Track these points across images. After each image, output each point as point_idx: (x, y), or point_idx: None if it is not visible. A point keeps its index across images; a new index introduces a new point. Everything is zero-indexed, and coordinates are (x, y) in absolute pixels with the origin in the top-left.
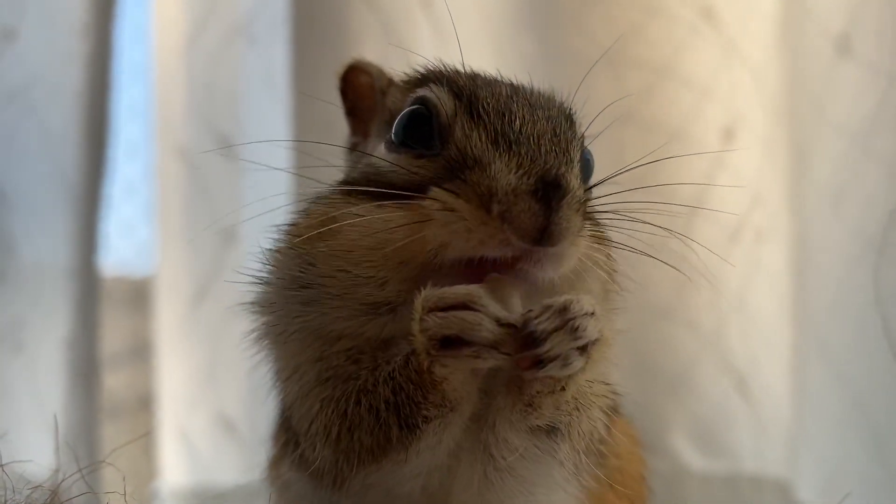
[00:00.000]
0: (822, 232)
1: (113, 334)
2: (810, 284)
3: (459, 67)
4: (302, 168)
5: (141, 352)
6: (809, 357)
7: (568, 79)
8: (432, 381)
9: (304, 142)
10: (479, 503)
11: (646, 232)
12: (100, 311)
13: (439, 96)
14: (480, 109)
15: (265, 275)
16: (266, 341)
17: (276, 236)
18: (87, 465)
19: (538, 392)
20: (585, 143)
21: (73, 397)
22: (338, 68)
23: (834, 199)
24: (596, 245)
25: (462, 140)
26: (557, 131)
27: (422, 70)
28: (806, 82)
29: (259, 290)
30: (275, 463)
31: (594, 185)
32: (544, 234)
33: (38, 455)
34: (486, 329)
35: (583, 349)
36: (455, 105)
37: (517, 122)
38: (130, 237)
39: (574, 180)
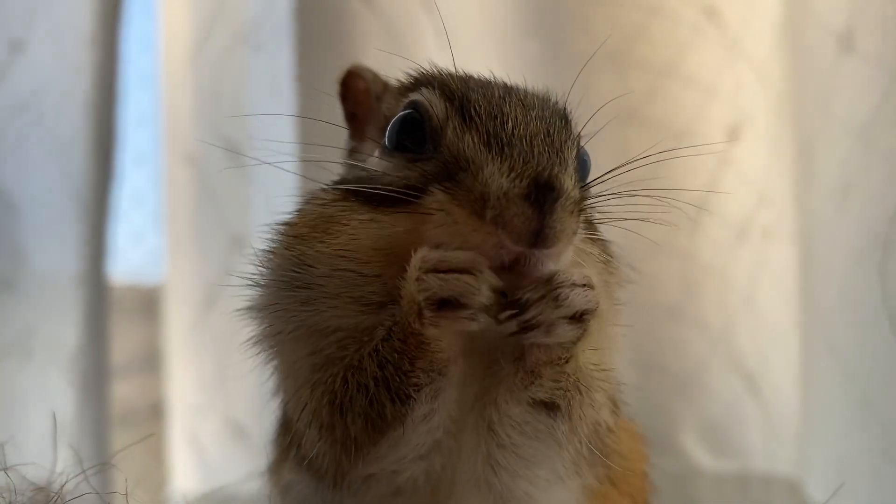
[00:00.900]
0: (828, 229)
1: (124, 343)
2: (817, 282)
3: (452, 70)
4: (308, 171)
5: (152, 360)
6: (817, 355)
7: (572, 80)
8: (419, 345)
9: (311, 144)
10: (485, 489)
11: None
12: (109, 319)
13: (430, 100)
14: (472, 111)
15: (261, 277)
16: (265, 343)
17: (270, 236)
18: (91, 466)
19: (537, 360)
20: (582, 143)
21: (84, 405)
22: (341, 73)
23: (839, 195)
24: (590, 240)
25: (454, 143)
26: (551, 132)
27: (414, 74)
28: (810, 79)
29: (256, 293)
30: (276, 466)
31: (590, 184)
32: (538, 238)
33: (49, 463)
34: (484, 294)
35: (574, 319)
36: (446, 108)
37: (509, 123)
38: (140, 245)
39: (568, 181)
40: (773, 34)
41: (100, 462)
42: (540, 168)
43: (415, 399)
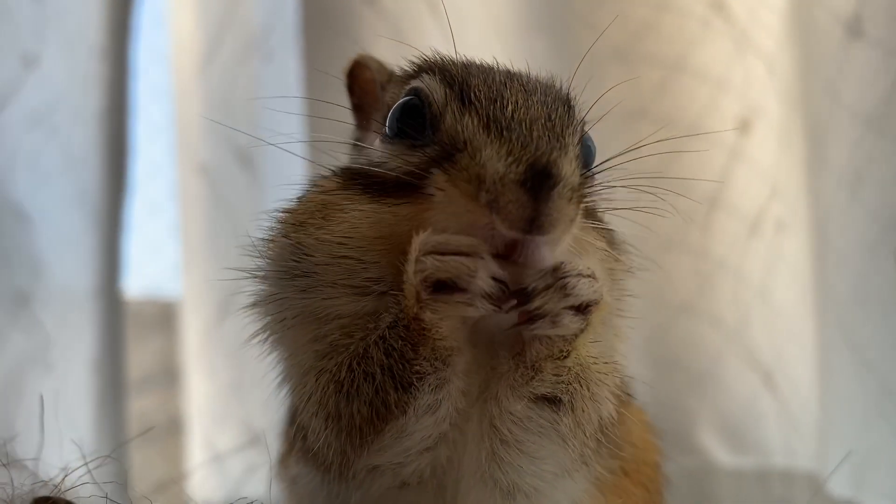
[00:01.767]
0: (841, 218)
1: (141, 356)
2: (831, 272)
3: (454, 56)
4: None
5: (169, 374)
6: (834, 346)
7: (580, 77)
8: (421, 330)
9: (321, 141)
10: (490, 484)
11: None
12: (126, 332)
13: (430, 86)
14: (472, 95)
15: (262, 269)
16: (269, 332)
17: (270, 224)
18: (93, 459)
19: (538, 354)
20: (587, 129)
21: (102, 420)
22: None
23: (851, 184)
24: (591, 228)
25: (452, 126)
26: (552, 116)
27: (416, 61)
28: (819, 68)
29: (258, 286)
30: (283, 459)
31: (594, 172)
32: (533, 225)
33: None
34: (482, 279)
35: (578, 310)
36: (446, 93)
37: (509, 107)
38: (157, 257)
39: (567, 167)
40: (781, 25)
41: (103, 455)
42: (539, 153)
43: (417, 388)
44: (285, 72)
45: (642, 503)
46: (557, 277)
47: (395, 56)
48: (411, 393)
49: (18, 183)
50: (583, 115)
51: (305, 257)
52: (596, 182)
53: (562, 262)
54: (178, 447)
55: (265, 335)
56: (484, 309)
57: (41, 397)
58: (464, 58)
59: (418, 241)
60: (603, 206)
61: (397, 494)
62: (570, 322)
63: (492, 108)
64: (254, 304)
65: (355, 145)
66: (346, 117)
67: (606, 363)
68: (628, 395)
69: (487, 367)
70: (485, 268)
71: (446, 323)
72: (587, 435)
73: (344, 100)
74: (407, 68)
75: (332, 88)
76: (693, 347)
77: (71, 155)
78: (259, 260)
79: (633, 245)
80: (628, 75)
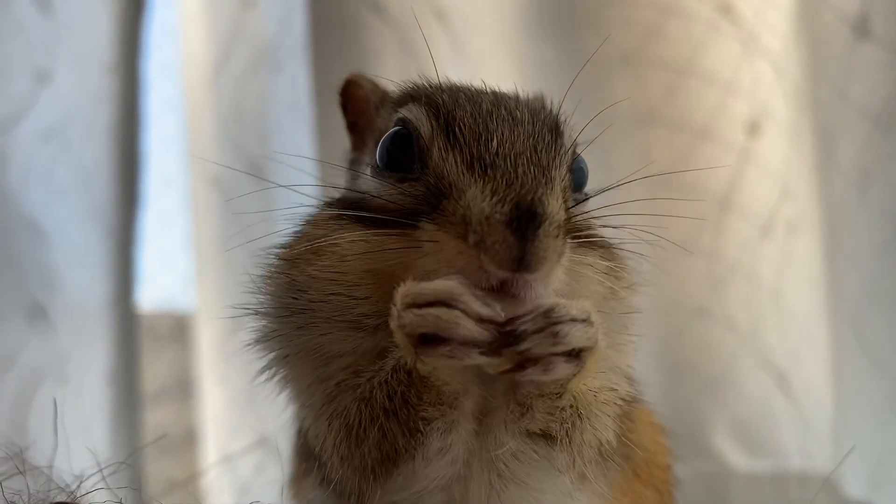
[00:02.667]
0: (852, 218)
1: (156, 368)
2: (843, 273)
3: (442, 82)
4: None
5: (184, 386)
6: (848, 347)
7: (588, 82)
8: (421, 379)
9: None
10: None
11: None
12: (141, 344)
13: (418, 117)
14: (457, 130)
15: (260, 306)
16: (276, 370)
17: (266, 261)
18: (107, 465)
19: (529, 393)
20: (579, 150)
21: (117, 429)
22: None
23: (861, 183)
24: (589, 246)
25: (439, 164)
26: (538, 148)
27: (405, 88)
28: (827, 68)
29: (257, 324)
30: (297, 480)
31: (587, 197)
32: (521, 264)
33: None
34: (464, 327)
35: (571, 356)
36: (432, 126)
37: (494, 142)
38: (170, 269)
39: (553, 202)
40: (789, 26)
41: (118, 462)
42: (523, 191)
43: (424, 434)
44: (294, 82)
45: None
46: (549, 322)
47: (404, 64)
48: (419, 438)
49: (32, 197)
50: (573, 138)
51: (300, 293)
52: (590, 204)
53: (555, 305)
54: (193, 458)
55: (271, 373)
56: (472, 358)
57: (55, 402)
58: (450, 83)
59: (398, 295)
60: (603, 221)
61: None
62: (562, 369)
63: (476, 144)
64: (256, 341)
65: (353, 167)
66: None
67: (609, 390)
68: (638, 398)
69: (482, 399)
70: (468, 313)
71: (442, 371)
72: (586, 462)
73: None
74: (397, 92)
75: None
76: (706, 350)
77: (84, 169)
78: (258, 296)
79: (642, 252)
80: (636, 80)
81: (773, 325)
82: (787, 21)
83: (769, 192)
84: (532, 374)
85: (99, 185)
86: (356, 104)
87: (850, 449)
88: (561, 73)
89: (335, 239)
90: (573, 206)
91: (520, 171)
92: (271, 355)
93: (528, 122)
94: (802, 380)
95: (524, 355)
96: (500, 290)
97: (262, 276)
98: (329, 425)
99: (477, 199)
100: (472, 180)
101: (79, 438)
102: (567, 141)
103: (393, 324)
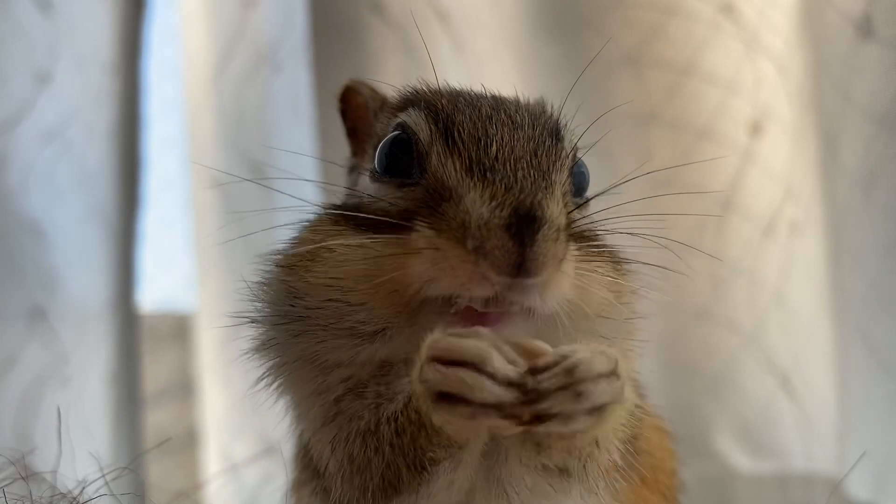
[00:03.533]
0: (856, 219)
1: (157, 369)
2: (847, 273)
3: (441, 87)
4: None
5: (186, 387)
6: (851, 348)
7: (589, 82)
8: (433, 425)
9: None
10: None
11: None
12: (142, 345)
13: (417, 122)
14: (456, 135)
15: (257, 313)
16: (273, 378)
17: (264, 266)
18: (110, 471)
19: (547, 435)
20: (580, 154)
21: (119, 433)
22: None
23: (865, 184)
24: (587, 260)
25: (438, 170)
26: (538, 152)
27: (404, 93)
28: (830, 68)
29: (254, 331)
30: (298, 487)
31: (588, 200)
32: (521, 269)
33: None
34: (488, 392)
35: (593, 409)
36: (431, 131)
37: (493, 146)
38: (171, 270)
39: (554, 206)
40: (791, 26)
41: (119, 467)
42: (522, 196)
43: (430, 472)
44: (295, 83)
45: None
46: (571, 381)
47: (405, 65)
48: (424, 476)
49: (33, 198)
50: (574, 142)
51: (298, 301)
52: (590, 208)
53: (579, 362)
54: (195, 459)
55: (270, 380)
56: (490, 420)
57: (58, 410)
58: (449, 88)
59: (426, 345)
60: (605, 225)
61: None
62: (583, 422)
63: (475, 148)
64: (254, 349)
65: (352, 173)
66: None
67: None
68: (644, 404)
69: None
70: (496, 377)
71: (455, 423)
72: (594, 479)
73: None
74: (396, 98)
75: None
76: (709, 351)
77: (84, 170)
78: (256, 303)
79: (644, 253)
80: (638, 81)
81: (776, 327)
82: (790, 21)
83: (772, 193)
84: (551, 427)
85: (99, 186)
86: (355, 110)
87: (861, 456)
88: (562, 73)
89: (331, 244)
90: (574, 210)
91: (519, 175)
92: (269, 363)
93: (528, 127)
94: (806, 381)
95: (543, 412)
96: (502, 301)
97: (259, 282)
98: (332, 449)
99: (476, 203)
100: (471, 185)
101: (80, 440)
102: (567, 145)
103: (414, 375)
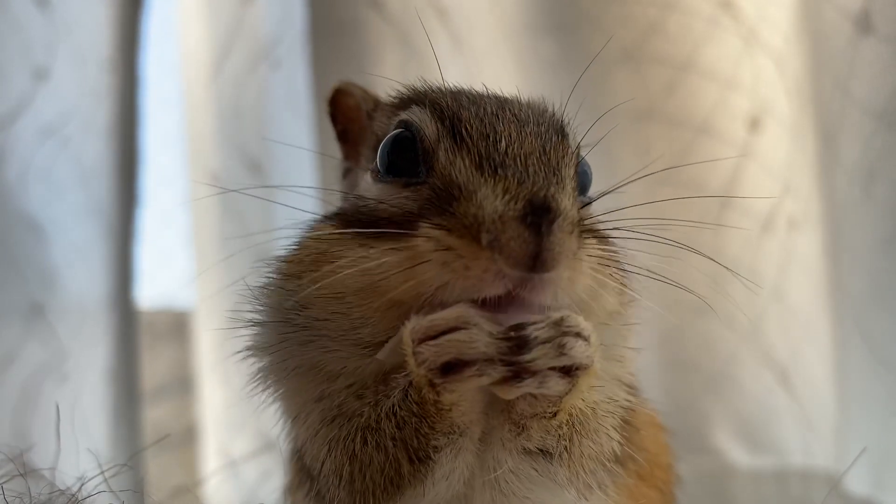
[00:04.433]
0: (855, 214)
1: (156, 365)
2: (846, 269)
3: (443, 85)
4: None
5: (184, 383)
6: (850, 344)
7: (588, 79)
8: (438, 410)
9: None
10: None
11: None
12: (140, 342)
13: (422, 119)
14: (464, 132)
15: (260, 315)
16: (269, 382)
17: (266, 271)
18: (109, 467)
19: (523, 413)
20: (584, 153)
21: (117, 429)
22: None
23: (864, 180)
24: (600, 264)
25: (446, 167)
26: (547, 149)
27: (405, 91)
28: (829, 64)
29: (254, 332)
30: (293, 490)
31: (592, 199)
32: (537, 261)
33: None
34: (483, 343)
35: (565, 372)
36: (438, 129)
37: (503, 142)
38: (169, 266)
39: (566, 200)
40: (790, 22)
41: (118, 464)
42: (535, 188)
43: (434, 461)
44: (294, 79)
45: None
46: (559, 332)
47: (404, 61)
48: (427, 465)
49: (31, 195)
50: (578, 140)
51: (302, 309)
52: (594, 208)
53: (566, 315)
54: (194, 456)
55: (265, 384)
56: (498, 373)
57: (57, 406)
58: (452, 86)
59: (407, 333)
60: (607, 223)
61: None
62: (555, 384)
63: (484, 144)
64: (251, 349)
65: (347, 177)
66: None
67: (610, 402)
68: (641, 401)
69: (483, 415)
70: (481, 332)
71: (466, 399)
72: (588, 472)
73: None
74: (394, 97)
75: None
76: (708, 348)
77: (83, 166)
78: (257, 306)
79: (643, 250)
80: (637, 76)
81: (774, 322)
82: (788, 16)
83: (770, 189)
84: (526, 387)
85: (98, 183)
86: (346, 112)
87: (861, 451)
88: (561, 69)
89: (335, 257)
90: (582, 208)
91: (531, 170)
92: (266, 368)
93: (534, 123)
94: (804, 377)
95: (524, 366)
96: (514, 299)
97: (260, 287)
98: (329, 450)
99: (489, 198)
100: (483, 181)
101: (79, 437)
102: (572, 143)
103: (410, 363)
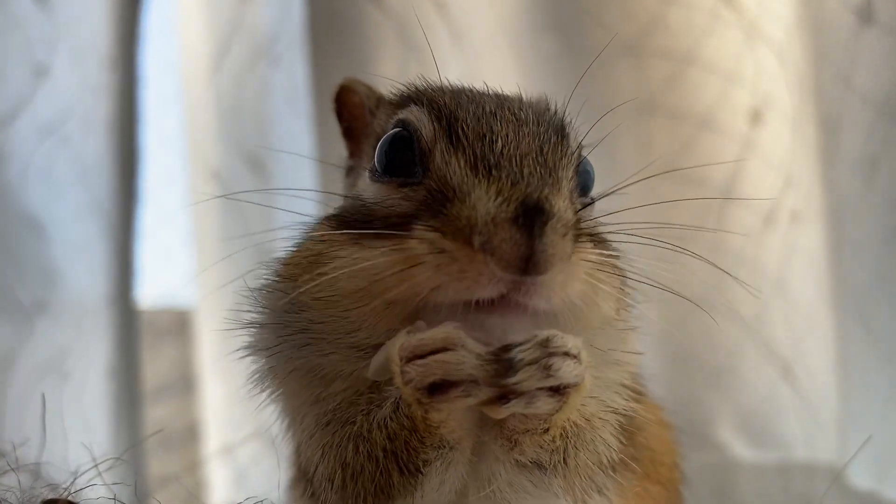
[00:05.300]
0: (857, 206)
1: (157, 364)
2: (848, 262)
3: (443, 84)
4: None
5: (186, 382)
6: (853, 337)
7: (589, 73)
8: (427, 426)
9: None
10: None
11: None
12: (141, 340)
13: (419, 119)
14: (460, 132)
15: (258, 316)
16: (267, 383)
17: (265, 272)
18: (103, 461)
19: (515, 429)
20: (584, 153)
21: (119, 426)
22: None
23: (866, 171)
24: (596, 268)
25: (442, 168)
26: (544, 149)
27: (404, 90)
28: (830, 55)
29: (253, 332)
30: (293, 486)
31: (594, 200)
32: (529, 264)
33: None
34: (470, 365)
35: (555, 391)
36: (434, 129)
37: (499, 142)
38: (170, 264)
39: (560, 202)
40: (791, 14)
41: (112, 457)
42: (529, 190)
43: (423, 474)
44: (293, 75)
45: (662, 502)
46: (546, 353)
47: (403, 56)
48: (417, 478)
49: (31, 193)
50: (578, 140)
51: (300, 312)
52: (596, 209)
53: (553, 335)
54: (195, 454)
55: (263, 385)
56: (485, 395)
57: (43, 397)
58: (452, 85)
59: (394, 351)
60: (608, 219)
61: None
62: (544, 404)
63: (480, 145)
64: (249, 349)
65: (350, 174)
66: None
67: (607, 411)
68: (642, 398)
69: (473, 431)
70: (469, 354)
71: (454, 417)
72: (586, 478)
73: None
74: (395, 94)
75: None
76: (710, 342)
77: (83, 164)
78: (256, 308)
79: (644, 246)
80: (638, 70)
81: (776, 315)
82: (790, 8)
83: (772, 182)
84: (514, 406)
85: (98, 181)
86: (351, 109)
87: (865, 441)
88: (562, 64)
89: (330, 258)
90: (581, 210)
91: (525, 171)
92: (264, 369)
93: (532, 123)
94: (807, 370)
95: (511, 388)
96: (506, 303)
97: (260, 289)
98: (322, 455)
99: (481, 200)
100: (477, 182)
101: (80, 435)
102: (573, 143)
103: (398, 381)
